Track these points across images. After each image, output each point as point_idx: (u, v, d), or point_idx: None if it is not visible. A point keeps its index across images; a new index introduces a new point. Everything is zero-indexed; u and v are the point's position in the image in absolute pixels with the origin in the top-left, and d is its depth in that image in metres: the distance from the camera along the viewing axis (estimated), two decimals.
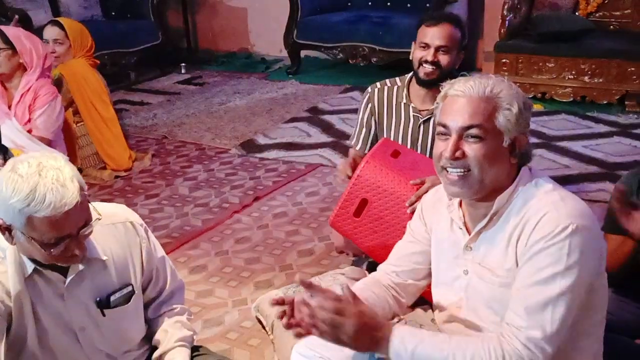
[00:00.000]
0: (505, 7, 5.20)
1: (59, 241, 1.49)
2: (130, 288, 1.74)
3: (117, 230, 1.74)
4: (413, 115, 2.76)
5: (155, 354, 1.80)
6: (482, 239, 1.59)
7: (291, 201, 3.75)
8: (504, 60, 5.22)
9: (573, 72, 5.04)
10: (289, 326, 1.53)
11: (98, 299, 1.68)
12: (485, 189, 1.55)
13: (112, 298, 1.70)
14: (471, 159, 1.51)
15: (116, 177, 4.16)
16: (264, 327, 2.50)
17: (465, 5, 5.89)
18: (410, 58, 2.73)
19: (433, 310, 1.81)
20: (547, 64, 5.10)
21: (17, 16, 5.30)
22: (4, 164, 2.33)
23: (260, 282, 2.94)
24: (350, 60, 6.02)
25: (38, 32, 5.40)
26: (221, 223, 3.52)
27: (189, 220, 3.56)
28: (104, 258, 1.68)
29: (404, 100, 2.77)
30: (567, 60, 5.04)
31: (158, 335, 1.82)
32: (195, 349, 1.87)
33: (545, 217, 1.47)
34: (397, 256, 1.84)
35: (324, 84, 6.02)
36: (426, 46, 2.64)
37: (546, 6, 5.50)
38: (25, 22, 5.42)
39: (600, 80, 4.97)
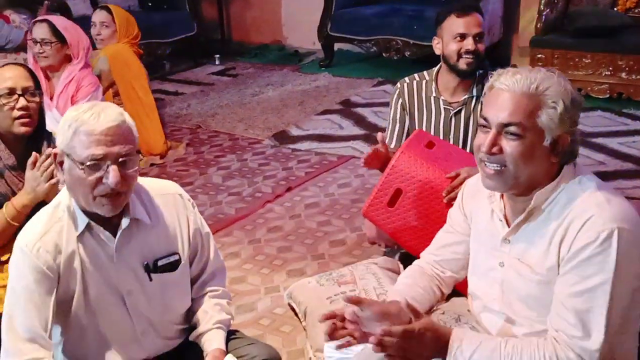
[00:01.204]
0: (542, 1, 5.15)
1: (99, 163, 1.58)
2: (177, 256, 1.80)
3: (167, 201, 1.81)
4: (444, 108, 2.76)
5: (194, 333, 1.84)
6: (522, 234, 1.59)
7: (323, 192, 3.77)
8: (539, 56, 5.17)
9: (610, 68, 4.97)
10: (335, 338, 1.55)
11: (145, 263, 1.74)
12: (520, 186, 1.54)
13: (160, 263, 1.76)
14: (508, 155, 1.50)
15: (151, 164, 4.22)
16: (296, 314, 2.53)
17: (501, 0, 5.84)
18: (438, 53, 2.72)
19: (469, 300, 1.82)
20: (583, 59, 5.04)
21: (47, 2, 5.36)
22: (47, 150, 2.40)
23: (293, 271, 2.97)
24: (383, 54, 6.02)
25: (77, 21, 5.52)
26: (254, 212, 3.56)
27: (222, 209, 3.60)
28: (149, 222, 1.74)
29: (434, 94, 2.78)
30: (604, 56, 4.97)
31: (198, 315, 1.86)
32: (231, 333, 1.90)
33: (590, 221, 1.45)
34: (437, 246, 1.86)
35: (357, 77, 6.03)
36: (462, 37, 2.63)
37: (583, 1, 5.43)
38: (65, 12, 5.52)
39: (638, 76, 4.90)
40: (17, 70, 2.35)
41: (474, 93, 2.71)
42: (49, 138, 2.45)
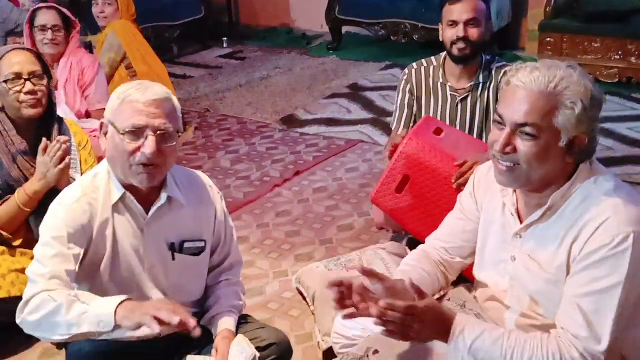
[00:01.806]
0: None
1: (138, 132, 1.64)
2: (203, 244, 1.86)
3: (199, 190, 1.88)
4: (450, 94, 2.77)
5: (206, 317, 1.88)
6: (534, 231, 1.57)
7: (331, 176, 3.79)
8: (548, 40, 5.15)
9: (619, 53, 4.95)
10: (344, 307, 1.52)
11: (172, 242, 1.81)
12: (533, 184, 1.52)
13: (186, 245, 1.83)
14: (521, 155, 1.47)
15: None
16: (304, 299, 2.56)
17: None
18: (441, 40, 2.73)
19: (475, 288, 1.84)
20: (592, 44, 5.02)
21: None
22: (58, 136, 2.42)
23: (301, 255, 3.00)
24: (391, 37, 6.01)
25: (85, 5, 5.51)
26: (262, 196, 3.58)
27: (230, 193, 3.63)
28: (185, 202, 1.81)
29: (441, 80, 2.78)
30: (614, 41, 4.95)
31: (211, 301, 1.91)
32: (241, 318, 1.94)
33: (605, 224, 1.43)
34: (446, 232, 1.85)
35: (365, 60, 6.02)
36: (454, 23, 2.63)
37: None
38: None
39: None
40: (24, 55, 2.38)
41: (480, 80, 2.72)
42: (60, 124, 2.47)
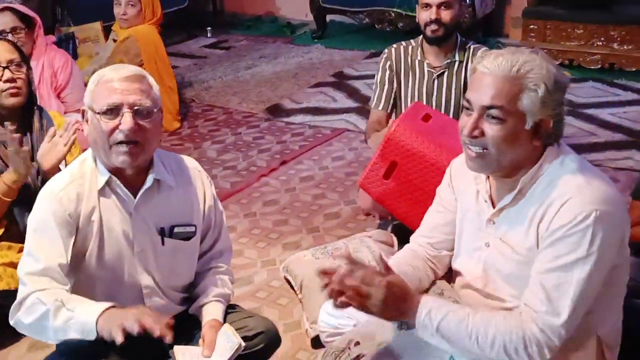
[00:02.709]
0: None
1: (115, 109, 1.64)
2: (193, 228, 1.85)
3: (188, 174, 1.87)
4: (427, 70, 2.90)
5: (194, 305, 1.89)
6: (506, 215, 1.61)
7: (317, 165, 3.80)
8: (532, 27, 5.18)
9: (602, 39, 4.99)
10: (332, 295, 1.53)
11: (161, 227, 1.80)
12: (503, 168, 1.55)
13: (176, 230, 1.82)
14: (489, 139, 1.50)
15: None
16: (292, 287, 2.58)
17: None
18: (417, 22, 2.86)
19: (453, 277, 1.85)
20: (575, 30, 5.05)
21: None
22: (40, 127, 2.41)
23: (288, 244, 3.01)
24: (376, 25, 6.01)
25: None
26: (249, 186, 3.59)
27: (217, 183, 3.63)
28: (173, 185, 1.80)
29: (419, 58, 2.91)
30: (597, 27, 4.99)
31: (199, 288, 1.91)
32: (229, 307, 1.94)
33: (569, 203, 1.46)
34: (429, 227, 1.86)
35: (350, 48, 6.02)
36: (427, 6, 2.78)
37: None
38: None
39: (630, 47, 4.92)
40: (0, 45, 2.36)
41: (456, 57, 2.87)
42: (41, 113, 2.46)
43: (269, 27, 6.99)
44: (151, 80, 1.73)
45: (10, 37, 3.18)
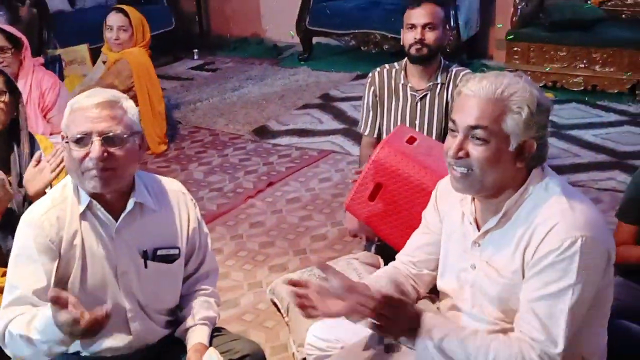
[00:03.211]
0: None
1: (84, 138, 1.64)
2: (177, 251, 1.85)
3: (171, 197, 1.87)
4: (410, 94, 2.94)
5: (180, 328, 1.88)
6: (490, 238, 1.62)
7: (304, 187, 3.81)
8: (515, 49, 5.24)
9: (584, 61, 5.06)
10: (301, 306, 1.55)
11: (144, 249, 1.79)
12: (487, 189, 1.57)
13: (159, 252, 1.82)
14: (474, 159, 1.52)
15: None
16: (279, 310, 2.57)
17: None
18: (402, 44, 2.90)
19: (439, 297, 1.85)
20: (558, 52, 5.12)
21: (29, 0, 5.33)
22: (30, 153, 2.40)
23: (275, 266, 3.01)
24: (362, 47, 6.06)
25: (54, 17, 5.48)
26: (236, 207, 3.59)
27: (204, 205, 3.62)
28: (155, 209, 1.80)
29: (402, 81, 2.95)
30: (579, 49, 5.06)
31: (185, 312, 1.90)
32: (215, 330, 1.93)
33: (555, 229, 1.47)
34: (413, 247, 1.88)
35: (336, 70, 6.06)
36: (413, 26, 2.83)
37: None
38: (41, 7, 5.47)
39: (612, 69, 4.99)
40: None
41: (439, 80, 2.90)
42: (32, 138, 2.46)
43: (256, 49, 7.03)
44: (126, 104, 1.72)
45: None
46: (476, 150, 1.52)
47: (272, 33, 7.23)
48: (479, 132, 1.51)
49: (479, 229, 1.65)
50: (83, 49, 4.83)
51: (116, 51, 4.15)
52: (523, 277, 1.54)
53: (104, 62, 4.27)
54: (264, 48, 7.04)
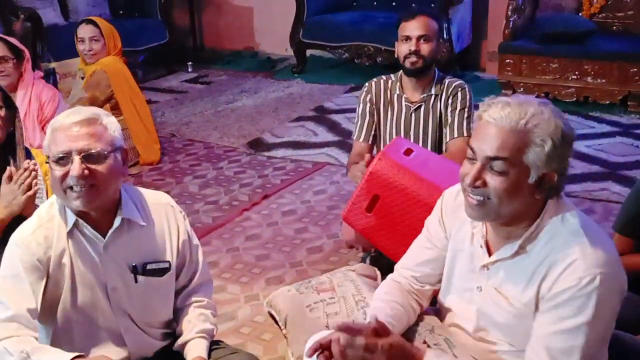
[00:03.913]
0: (510, 8, 5.27)
1: (64, 157, 1.65)
2: (167, 264, 1.85)
3: (159, 210, 1.87)
4: (405, 105, 2.96)
5: (178, 342, 1.88)
6: (501, 265, 1.59)
7: (299, 199, 3.81)
8: (507, 61, 5.28)
9: (576, 73, 5.10)
10: None
11: (133, 264, 1.79)
12: (502, 218, 1.54)
13: (149, 266, 1.81)
14: (491, 189, 1.48)
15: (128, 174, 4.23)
16: (276, 322, 2.56)
17: (469, 6, 5.95)
18: (396, 56, 2.94)
19: (441, 313, 1.84)
20: (550, 64, 5.16)
21: (23, 15, 5.35)
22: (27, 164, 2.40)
23: (271, 279, 3.01)
24: (355, 60, 6.09)
25: (48, 30, 5.48)
26: (231, 220, 3.59)
27: (199, 218, 3.62)
28: (143, 224, 1.80)
29: (397, 92, 2.97)
30: (571, 61, 5.10)
31: (182, 325, 1.90)
32: (214, 343, 1.93)
33: (573, 265, 1.45)
34: (415, 262, 1.84)
35: (330, 83, 6.08)
36: (407, 38, 2.86)
37: (550, 7, 5.56)
38: (35, 21, 5.49)
39: (603, 81, 5.04)
40: None
41: (433, 92, 2.93)
42: (29, 152, 2.45)
43: (249, 62, 7.05)
44: (107, 120, 1.72)
45: None
46: (494, 181, 1.48)
47: (266, 46, 7.26)
48: (498, 164, 1.46)
49: (489, 253, 1.62)
50: (77, 62, 4.82)
51: (91, 62, 4.19)
52: (536, 309, 1.52)
53: (82, 78, 4.30)
54: (257, 61, 7.06)
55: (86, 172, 1.65)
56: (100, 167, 1.67)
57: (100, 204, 1.71)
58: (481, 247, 1.63)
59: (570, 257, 1.46)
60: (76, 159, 1.64)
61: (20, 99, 3.48)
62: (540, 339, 1.49)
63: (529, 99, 1.52)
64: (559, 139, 1.45)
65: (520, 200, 1.49)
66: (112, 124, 1.72)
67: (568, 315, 1.45)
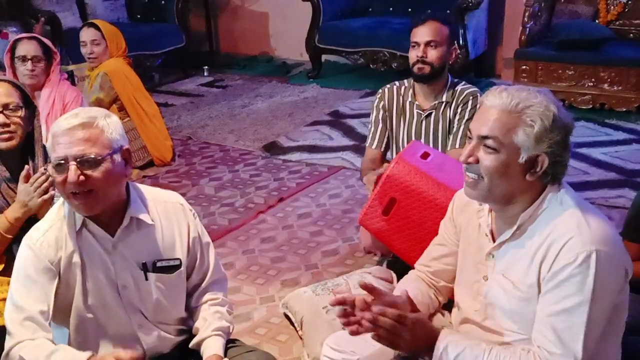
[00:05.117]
0: (526, 14, 5.27)
1: (62, 163, 1.65)
2: (178, 261, 1.86)
3: (168, 208, 1.88)
4: (416, 112, 2.95)
5: (194, 341, 1.89)
6: (505, 250, 1.64)
7: (315, 202, 3.83)
8: (523, 67, 5.27)
9: (592, 80, 5.08)
10: (348, 324, 1.58)
11: (143, 262, 1.81)
12: (495, 199, 1.60)
13: (159, 264, 1.83)
14: (482, 167, 1.55)
15: (143, 176, 4.26)
16: (292, 324, 2.58)
17: (485, 13, 5.94)
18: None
19: (453, 308, 1.88)
20: (566, 71, 5.15)
21: (43, 18, 5.43)
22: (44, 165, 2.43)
23: (287, 281, 3.02)
24: (370, 65, 6.10)
25: (67, 34, 5.56)
26: (247, 223, 3.61)
27: (215, 220, 3.65)
28: (151, 222, 1.81)
29: (410, 99, 2.97)
30: (587, 68, 5.09)
31: (198, 323, 1.91)
32: (230, 342, 1.94)
33: (570, 243, 1.49)
34: (429, 258, 1.91)
35: (345, 88, 6.10)
36: (416, 44, 2.83)
37: (566, 14, 5.55)
38: (54, 24, 5.56)
39: (620, 87, 5.02)
40: (0, 87, 2.38)
41: (444, 99, 2.91)
42: (46, 154, 2.48)
43: (265, 66, 7.09)
44: (103, 122, 1.70)
45: (29, 64, 3.44)
46: (486, 159, 1.55)
47: (281, 51, 7.30)
48: (489, 142, 1.54)
49: (494, 241, 1.67)
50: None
51: (93, 66, 4.23)
52: (539, 290, 1.56)
53: (89, 82, 4.35)
54: (273, 66, 7.10)
55: (82, 178, 1.65)
56: (96, 173, 1.67)
57: (102, 207, 1.72)
58: (486, 235, 1.68)
59: (567, 236, 1.51)
60: (72, 165, 1.64)
61: (44, 98, 3.55)
62: (544, 319, 1.52)
63: (527, 87, 1.59)
64: (550, 122, 1.51)
65: (511, 180, 1.55)
66: (110, 125, 1.71)
67: (568, 294, 1.48)
